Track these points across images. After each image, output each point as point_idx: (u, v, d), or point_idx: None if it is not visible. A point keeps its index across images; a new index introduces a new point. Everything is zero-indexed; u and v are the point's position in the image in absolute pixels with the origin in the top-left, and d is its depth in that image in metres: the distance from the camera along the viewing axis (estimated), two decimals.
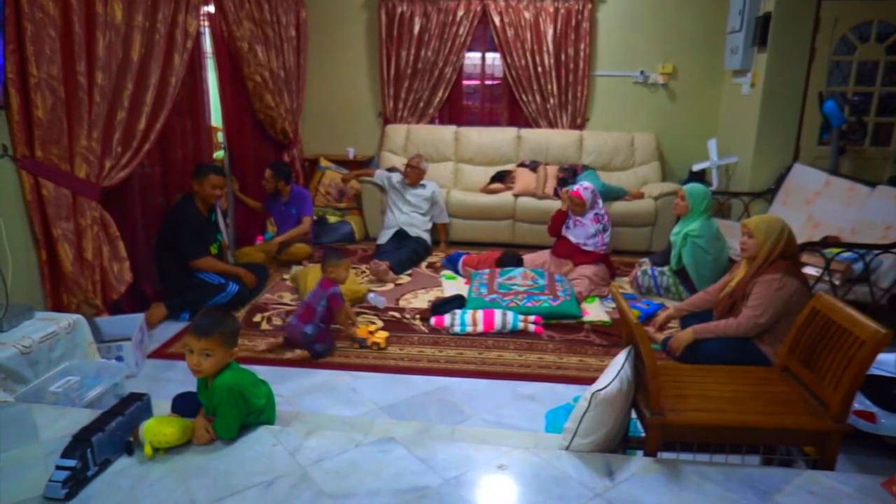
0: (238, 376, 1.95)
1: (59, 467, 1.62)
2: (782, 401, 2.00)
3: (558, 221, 4.38)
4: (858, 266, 3.22)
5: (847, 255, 3.24)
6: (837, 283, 3.19)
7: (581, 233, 4.25)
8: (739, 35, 4.97)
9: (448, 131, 5.81)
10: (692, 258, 3.76)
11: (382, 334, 3.31)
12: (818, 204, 4.17)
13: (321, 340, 3.16)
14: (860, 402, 2.25)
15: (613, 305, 3.79)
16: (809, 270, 3.25)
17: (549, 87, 5.71)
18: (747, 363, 2.63)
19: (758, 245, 2.77)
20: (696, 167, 5.38)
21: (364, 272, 4.45)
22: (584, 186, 4.27)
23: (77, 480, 1.63)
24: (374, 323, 3.53)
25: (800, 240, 3.60)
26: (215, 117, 4.74)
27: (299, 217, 4.67)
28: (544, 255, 4.46)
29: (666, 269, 4.00)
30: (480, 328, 3.44)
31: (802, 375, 2.08)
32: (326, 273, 3.24)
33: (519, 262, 4.33)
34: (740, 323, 2.74)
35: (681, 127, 5.79)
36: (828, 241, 3.49)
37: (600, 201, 4.35)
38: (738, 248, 2.92)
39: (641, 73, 5.73)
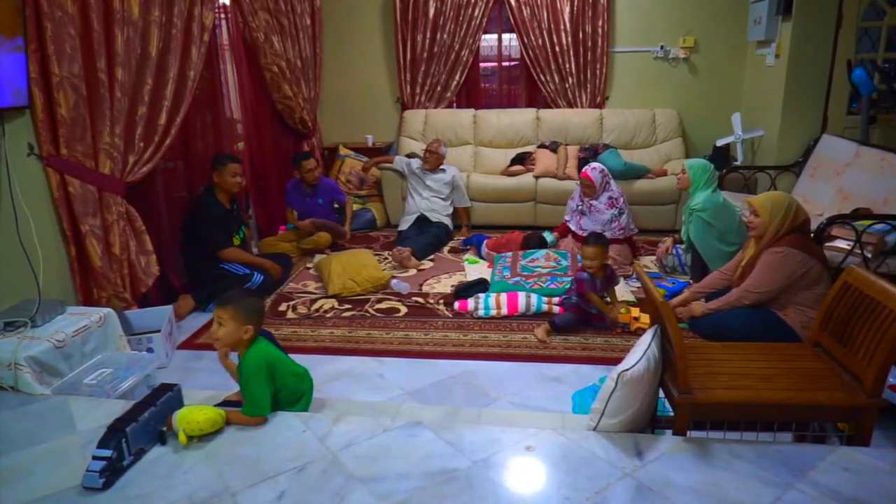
0: (264, 352, 2.03)
1: (95, 457, 1.66)
2: (814, 376, 1.96)
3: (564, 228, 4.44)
4: (891, 238, 3.14)
5: (879, 226, 3.15)
6: (870, 255, 3.12)
7: (597, 219, 4.18)
8: (763, 4, 4.83)
9: (466, 115, 5.77)
10: (697, 233, 3.69)
11: (647, 317, 3.20)
12: (848, 175, 4.06)
13: (563, 317, 3.27)
14: None
15: (638, 285, 3.75)
16: (840, 244, 3.19)
17: (568, 66, 5.63)
18: (772, 334, 2.62)
19: (764, 224, 2.77)
20: (721, 142, 5.27)
21: (387, 259, 4.46)
22: (591, 167, 4.21)
23: (113, 470, 1.67)
24: (634, 306, 3.38)
25: (829, 213, 3.53)
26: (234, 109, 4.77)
27: (331, 206, 4.73)
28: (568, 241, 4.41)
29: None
30: (504, 311, 3.43)
31: (835, 350, 2.04)
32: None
33: (542, 243, 4.31)
34: (734, 293, 2.77)
35: (703, 102, 5.67)
36: (859, 214, 3.40)
37: (612, 183, 4.26)
38: None
39: (662, 47, 5.61)
